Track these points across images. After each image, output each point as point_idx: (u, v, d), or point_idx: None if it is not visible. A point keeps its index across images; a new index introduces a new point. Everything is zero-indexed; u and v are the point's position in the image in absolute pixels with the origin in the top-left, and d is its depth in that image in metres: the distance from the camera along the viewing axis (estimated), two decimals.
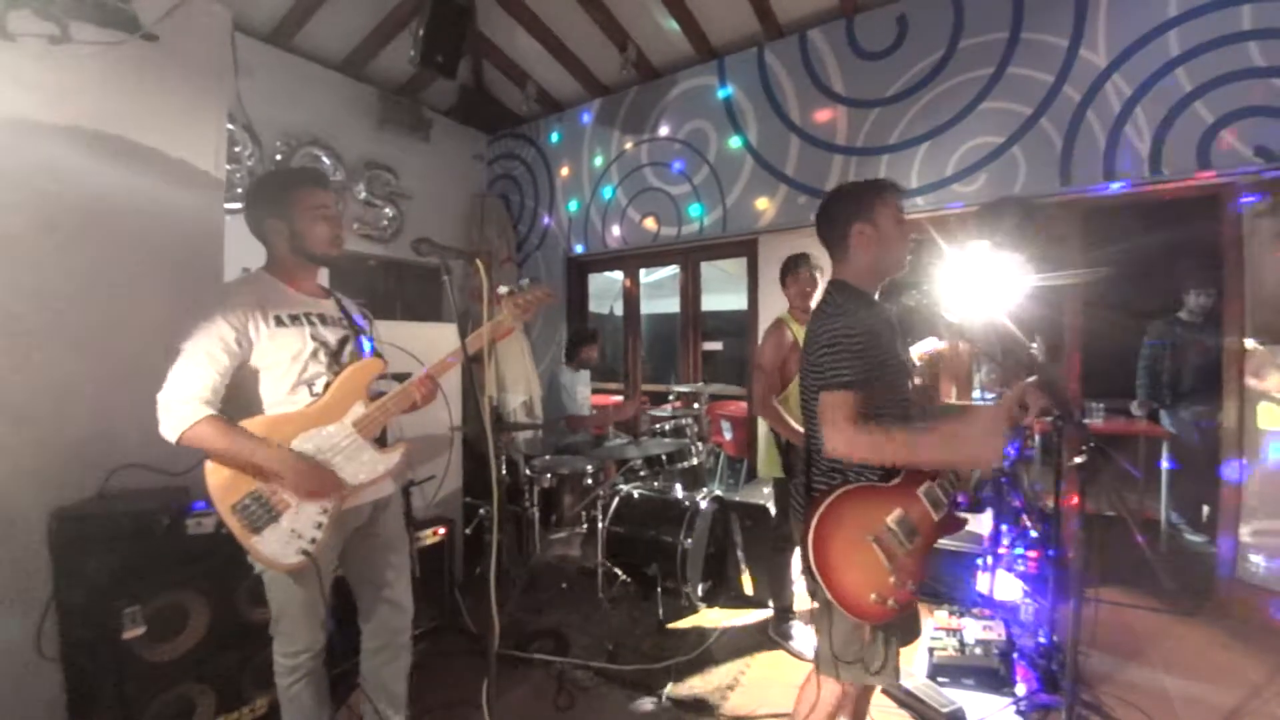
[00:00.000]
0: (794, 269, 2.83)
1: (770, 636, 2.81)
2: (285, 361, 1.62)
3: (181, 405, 1.48)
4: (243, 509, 1.53)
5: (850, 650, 1.51)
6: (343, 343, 1.73)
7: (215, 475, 1.53)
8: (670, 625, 2.92)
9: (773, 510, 3.06)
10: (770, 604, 2.94)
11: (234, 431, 1.51)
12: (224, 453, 1.52)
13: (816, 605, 1.56)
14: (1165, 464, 3.92)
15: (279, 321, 1.63)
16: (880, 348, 1.48)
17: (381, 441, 1.76)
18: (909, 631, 1.65)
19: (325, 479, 1.59)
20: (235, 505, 1.53)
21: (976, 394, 4.07)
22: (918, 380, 1.75)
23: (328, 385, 1.66)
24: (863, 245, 1.54)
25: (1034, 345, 1.67)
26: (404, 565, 1.90)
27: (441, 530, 2.76)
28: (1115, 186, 3.13)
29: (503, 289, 1.79)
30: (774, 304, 4.29)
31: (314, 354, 1.66)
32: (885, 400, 1.52)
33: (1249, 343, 2.93)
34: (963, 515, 1.56)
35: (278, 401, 1.62)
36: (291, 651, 1.69)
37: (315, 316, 1.71)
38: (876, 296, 1.62)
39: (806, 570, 1.45)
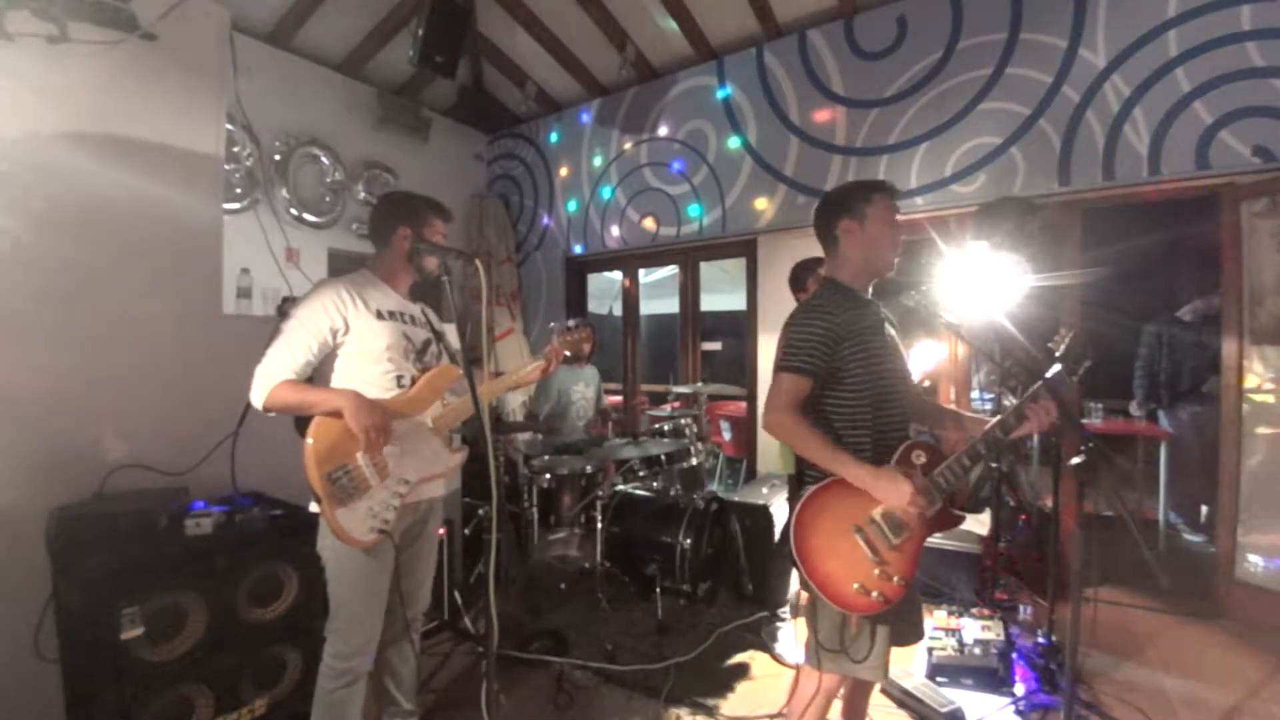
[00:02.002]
0: (813, 270, 2.78)
1: (760, 636, 2.81)
2: (380, 350, 1.74)
3: (265, 379, 1.62)
4: (334, 480, 1.60)
5: (833, 640, 1.53)
6: (426, 344, 1.88)
7: (317, 443, 1.60)
8: (669, 625, 2.92)
9: (778, 508, 3.07)
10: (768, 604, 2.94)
11: (306, 387, 1.66)
12: (301, 404, 1.63)
13: (807, 597, 1.57)
14: (1163, 464, 3.92)
15: (379, 315, 1.76)
16: (865, 348, 1.52)
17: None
18: (909, 632, 1.64)
19: (380, 414, 1.63)
20: (329, 474, 1.60)
21: (975, 395, 4.08)
22: (926, 383, 1.76)
23: (414, 380, 1.80)
24: (851, 243, 1.60)
25: (1058, 338, 1.65)
26: (434, 560, 2.02)
27: (440, 530, 2.76)
28: (1114, 187, 3.13)
29: (554, 325, 2.17)
30: (773, 304, 4.30)
31: (404, 350, 1.80)
32: (875, 399, 1.54)
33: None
34: (958, 513, 1.56)
35: (368, 385, 1.71)
36: (345, 652, 1.70)
37: (407, 316, 1.86)
38: (869, 294, 1.64)
39: (790, 557, 1.48)
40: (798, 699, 1.67)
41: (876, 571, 1.45)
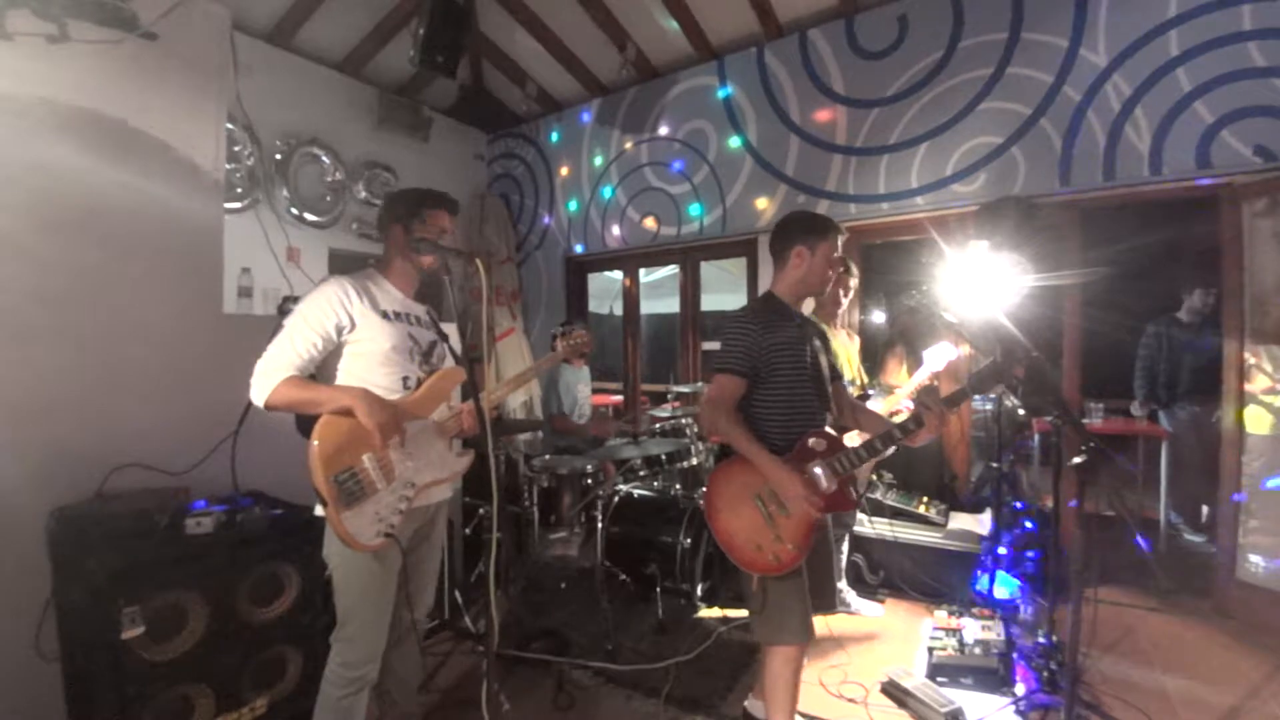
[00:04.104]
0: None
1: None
2: (385, 351, 1.71)
3: (268, 376, 1.58)
4: (340, 483, 1.57)
5: (755, 605, 1.78)
6: (432, 345, 1.86)
7: (323, 445, 1.56)
8: (669, 625, 2.92)
9: None
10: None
11: (313, 384, 1.63)
12: (307, 402, 1.59)
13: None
14: (1164, 464, 3.92)
15: (385, 315, 1.74)
16: (782, 354, 1.78)
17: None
18: (822, 601, 1.89)
19: (391, 411, 1.62)
20: (335, 477, 1.57)
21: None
22: (935, 383, 1.94)
23: (419, 382, 1.78)
24: (797, 265, 1.86)
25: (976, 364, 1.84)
26: (439, 563, 2.02)
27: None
28: (1115, 187, 3.13)
29: (557, 329, 2.26)
30: None
31: (410, 351, 1.77)
32: (789, 398, 1.80)
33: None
34: (854, 497, 1.87)
35: (373, 386, 1.67)
36: (355, 661, 1.68)
37: (413, 317, 1.83)
38: (799, 308, 1.92)
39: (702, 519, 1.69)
40: (768, 680, 1.84)
41: (772, 536, 1.72)
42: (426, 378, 1.79)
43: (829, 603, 1.94)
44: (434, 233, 1.79)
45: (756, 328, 1.78)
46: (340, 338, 1.67)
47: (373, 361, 1.70)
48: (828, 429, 1.83)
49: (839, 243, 1.88)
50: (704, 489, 1.74)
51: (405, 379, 1.75)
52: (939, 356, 2.73)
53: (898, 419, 1.99)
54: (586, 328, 2.46)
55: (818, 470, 1.75)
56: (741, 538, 1.74)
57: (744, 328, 1.79)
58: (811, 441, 1.77)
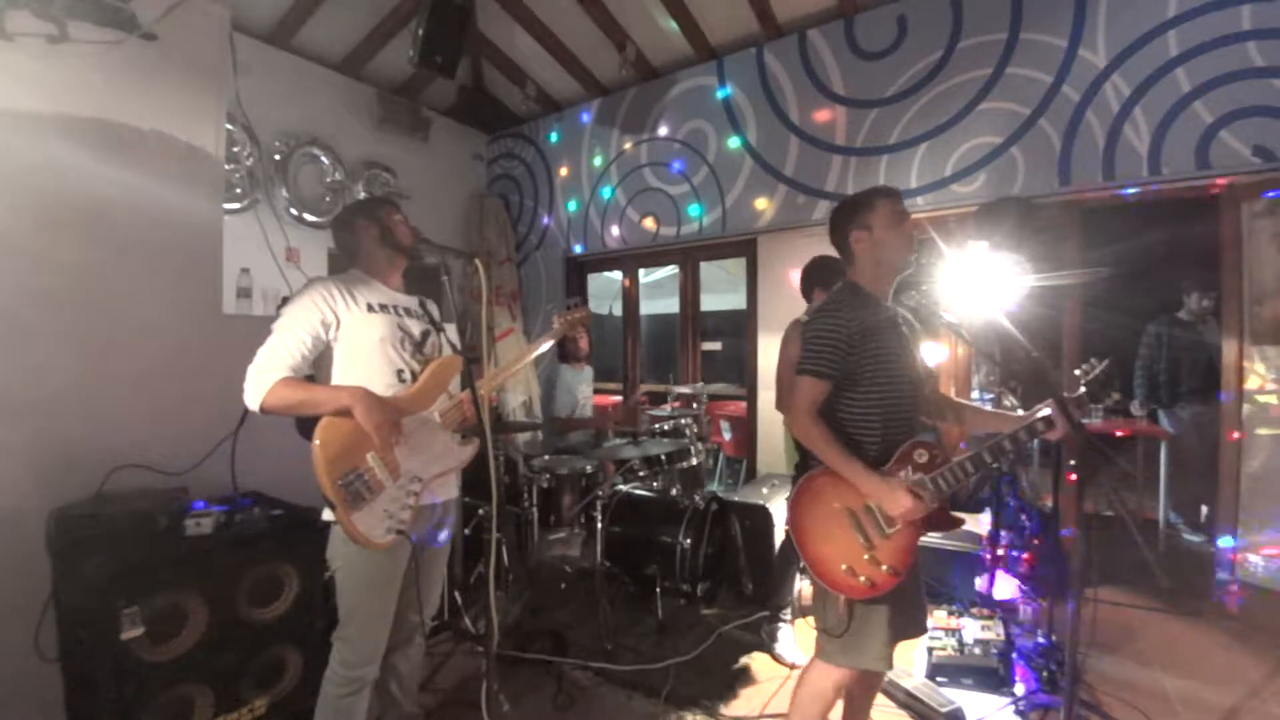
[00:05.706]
0: (819, 281, 2.76)
1: (760, 636, 2.81)
2: (374, 343, 1.70)
3: (262, 375, 1.56)
4: (346, 485, 1.56)
5: (835, 628, 1.59)
6: (425, 335, 1.84)
7: (325, 449, 1.55)
8: (669, 625, 2.92)
9: (778, 507, 3.06)
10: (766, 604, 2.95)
11: (309, 384, 1.61)
12: (304, 403, 1.57)
13: (814, 589, 1.63)
14: (1163, 464, 3.92)
15: (369, 308, 1.73)
16: (877, 348, 1.58)
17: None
18: (909, 626, 1.66)
19: (390, 410, 1.61)
20: (340, 480, 1.56)
21: (975, 395, 4.08)
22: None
23: (414, 375, 1.76)
24: (863, 250, 1.67)
25: (1088, 366, 1.68)
26: (445, 564, 2.01)
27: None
28: (1114, 187, 3.13)
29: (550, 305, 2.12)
30: (773, 304, 4.31)
31: (400, 342, 1.76)
32: (885, 400, 1.58)
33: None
34: (958, 515, 1.59)
35: (368, 382, 1.66)
36: (355, 661, 1.67)
37: (401, 309, 1.82)
38: (890, 295, 1.70)
39: (787, 536, 1.52)
40: (804, 690, 1.69)
41: (866, 557, 1.52)
42: (422, 369, 1.77)
43: (921, 628, 1.74)
44: (399, 222, 1.84)
45: (846, 320, 1.57)
46: (328, 335, 1.65)
47: (364, 356, 1.69)
48: (928, 438, 1.64)
49: (896, 203, 1.66)
50: (789, 503, 1.58)
51: (400, 372, 1.73)
52: (930, 359, 2.72)
53: None
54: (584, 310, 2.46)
55: (924, 484, 1.54)
56: (833, 560, 1.54)
57: (831, 322, 1.58)
58: (915, 453, 1.57)
